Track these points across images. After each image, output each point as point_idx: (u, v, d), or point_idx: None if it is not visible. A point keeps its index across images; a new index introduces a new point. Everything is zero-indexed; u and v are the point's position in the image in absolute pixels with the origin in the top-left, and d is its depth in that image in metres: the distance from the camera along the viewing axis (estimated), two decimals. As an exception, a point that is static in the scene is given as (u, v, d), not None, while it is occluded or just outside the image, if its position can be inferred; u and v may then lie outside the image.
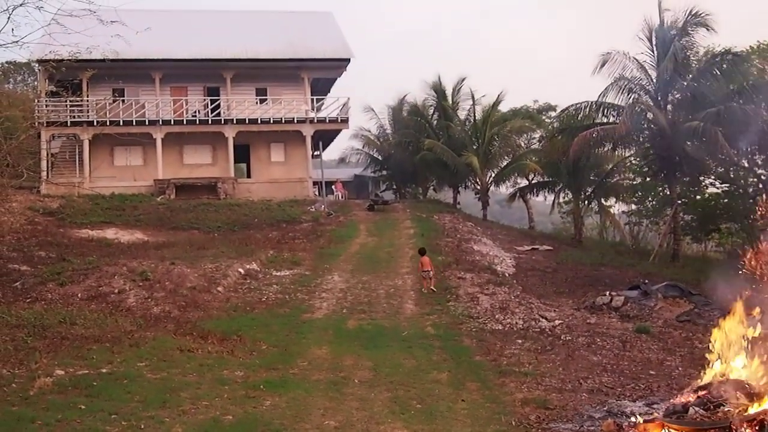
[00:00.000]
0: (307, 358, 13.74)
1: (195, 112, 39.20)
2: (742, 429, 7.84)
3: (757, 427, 7.86)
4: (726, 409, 8.46)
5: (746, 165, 33.35)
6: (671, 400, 9.84)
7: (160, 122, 37.82)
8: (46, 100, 36.14)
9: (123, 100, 37.89)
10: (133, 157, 38.18)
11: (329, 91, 44.08)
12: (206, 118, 38.61)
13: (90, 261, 21.13)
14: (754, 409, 8.20)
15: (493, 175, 40.44)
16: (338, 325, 16.79)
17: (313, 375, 12.50)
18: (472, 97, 41.55)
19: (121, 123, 36.47)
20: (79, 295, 18.43)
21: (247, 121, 38.80)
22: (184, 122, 38.33)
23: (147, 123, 37.50)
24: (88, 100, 37.08)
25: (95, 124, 36.38)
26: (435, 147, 38.38)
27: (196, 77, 39.67)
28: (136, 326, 15.67)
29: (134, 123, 37.02)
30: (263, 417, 10.03)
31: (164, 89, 39.23)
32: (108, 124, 35.53)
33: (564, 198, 40.09)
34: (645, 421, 9.07)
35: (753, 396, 8.49)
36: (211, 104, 38.70)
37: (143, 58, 36.20)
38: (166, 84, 39.21)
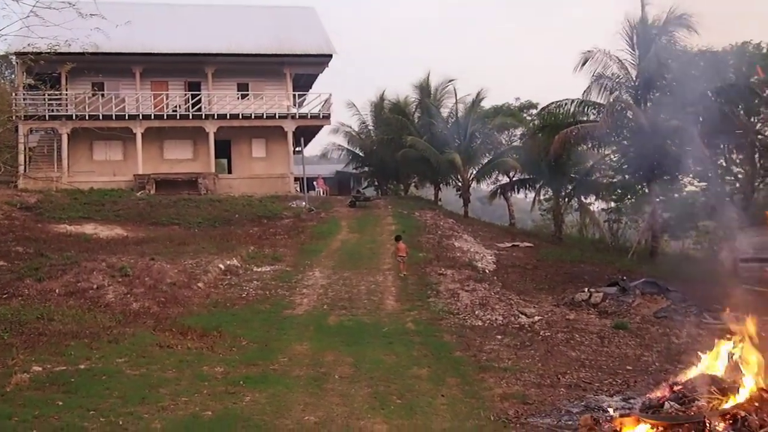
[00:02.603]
0: (287, 354, 13.72)
1: (176, 106, 38.97)
2: (716, 423, 7.93)
3: (730, 421, 7.95)
4: (700, 404, 8.57)
5: (724, 164, 33.70)
6: (647, 395, 9.96)
7: (140, 117, 37.61)
8: (24, 94, 35.78)
9: (103, 94, 37.61)
10: (112, 151, 37.97)
11: (311, 87, 44.06)
12: (187, 113, 38.42)
13: (68, 256, 20.97)
14: (727, 404, 8.30)
15: (475, 172, 40.58)
16: (319, 321, 16.79)
17: (293, 371, 12.49)
18: (455, 95, 41.73)
19: (101, 117, 36.30)
20: (57, 290, 18.28)
21: (228, 117, 38.70)
22: (165, 117, 38.15)
23: (127, 117, 37.27)
24: (67, 94, 36.81)
25: (74, 118, 36.16)
26: (417, 143, 38.45)
27: (177, 72, 39.47)
28: (115, 322, 15.57)
29: (114, 117, 36.77)
30: (243, 413, 10.02)
31: (145, 83, 39.01)
32: (87, 118, 35.36)
33: (544, 195, 40.31)
34: (621, 416, 9.16)
35: (726, 391, 8.61)
36: (192, 99, 38.54)
37: (123, 52, 36.04)
38: (146, 78, 39.00)
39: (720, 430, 7.94)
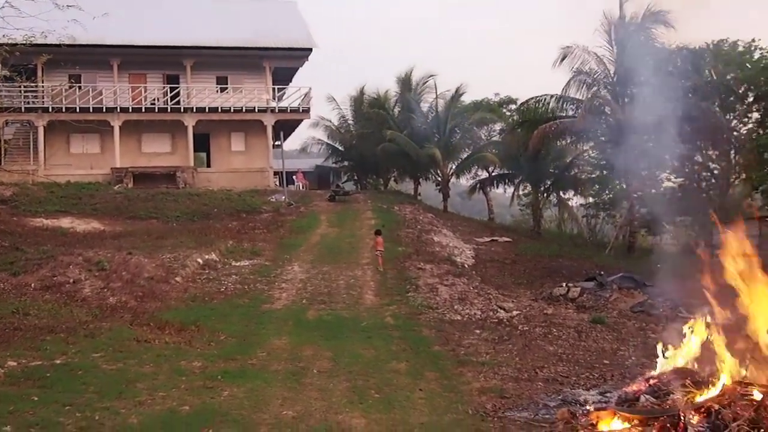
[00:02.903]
0: (266, 348, 13.69)
1: (154, 99, 38.67)
2: (690, 416, 8.02)
3: (704, 414, 8.04)
4: (675, 397, 8.66)
5: (700, 160, 34.02)
6: (623, 389, 10.04)
7: (118, 110, 37.28)
8: (-1, 85, 35.36)
9: (80, 87, 37.14)
10: (89, 144, 37.62)
11: (291, 81, 43.84)
12: (165, 106, 38.14)
13: (44, 250, 20.78)
14: (701, 397, 8.39)
15: (454, 167, 40.67)
16: (298, 315, 16.77)
17: (272, 365, 12.46)
18: (435, 89, 41.76)
19: (78, 110, 35.90)
20: (33, 285, 18.13)
21: (207, 110, 38.46)
22: (143, 110, 37.84)
23: (104, 110, 36.96)
24: (43, 86, 36.39)
25: (51, 110, 35.69)
26: (397, 138, 38.46)
27: (155, 64, 39.13)
28: (92, 317, 15.47)
29: (91, 110, 36.39)
30: (221, 407, 9.98)
31: (122, 76, 38.64)
32: (64, 110, 34.99)
33: (523, 190, 40.52)
34: (597, 409, 9.24)
35: (701, 384, 8.70)
36: (171, 92, 38.26)
37: (101, 44, 35.64)
38: (124, 71, 38.63)
39: (694, 423, 8.01)
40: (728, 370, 8.81)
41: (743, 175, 30.95)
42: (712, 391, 8.48)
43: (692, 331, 9.85)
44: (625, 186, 32.18)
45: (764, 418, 7.85)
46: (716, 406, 8.10)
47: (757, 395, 8.08)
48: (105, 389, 10.53)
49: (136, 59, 38.30)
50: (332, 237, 27.24)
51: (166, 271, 20.15)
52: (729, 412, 7.94)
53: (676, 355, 10.07)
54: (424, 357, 13.47)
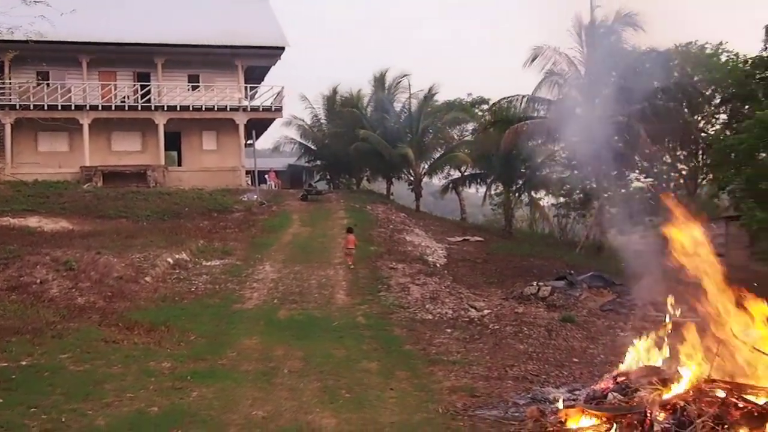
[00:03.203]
0: (236, 348, 13.61)
1: (124, 97, 38.24)
2: (657, 413, 8.11)
3: (670, 411, 8.14)
4: (642, 394, 8.77)
5: (669, 160, 34.48)
6: (592, 387, 10.13)
7: (87, 107, 36.87)
8: (-36, 82, 34.80)
9: (48, 84, 36.70)
10: (58, 143, 37.14)
11: (263, 80, 43.66)
12: (136, 104, 37.80)
13: (11, 250, 20.44)
14: (668, 394, 8.50)
15: (427, 166, 40.78)
16: (269, 315, 16.70)
17: (242, 365, 12.40)
18: (409, 89, 41.83)
19: (46, 107, 35.50)
20: (-1, 285, 17.85)
21: (178, 108, 38.17)
22: (113, 108, 37.48)
23: (73, 108, 36.52)
24: (10, 83, 35.83)
25: (18, 107, 35.24)
26: (369, 137, 38.46)
27: (125, 62, 38.69)
28: (59, 317, 15.25)
29: (60, 107, 35.94)
30: (190, 408, 9.91)
31: (92, 73, 38.18)
32: (32, 108, 34.53)
33: (496, 190, 40.71)
34: (566, 407, 9.31)
35: (667, 381, 8.82)
36: (141, 90, 37.91)
37: (69, 41, 35.09)
38: (94, 68, 38.16)
39: (660, 419, 8.11)
40: (694, 367, 8.93)
41: (710, 176, 31.38)
42: (678, 389, 8.59)
43: (659, 330, 9.98)
44: (595, 186, 32.47)
45: (728, 414, 7.98)
46: (681, 403, 8.20)
47: (721, 392, 8.20)
48: (72, 391, 10.40)
49: (107, 56, 37.87)
50: (304, 236, 27.18)
51: (136, 271, 19.97)
52: (694, 408, 8.05)
53: (644, 353, 10.20)
54: (395, 356, 13.47)
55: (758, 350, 8.62)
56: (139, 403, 10.04)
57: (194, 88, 39.47)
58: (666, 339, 9.61)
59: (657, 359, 9.61)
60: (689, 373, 8.77)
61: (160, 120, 37.79)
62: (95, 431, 8.91)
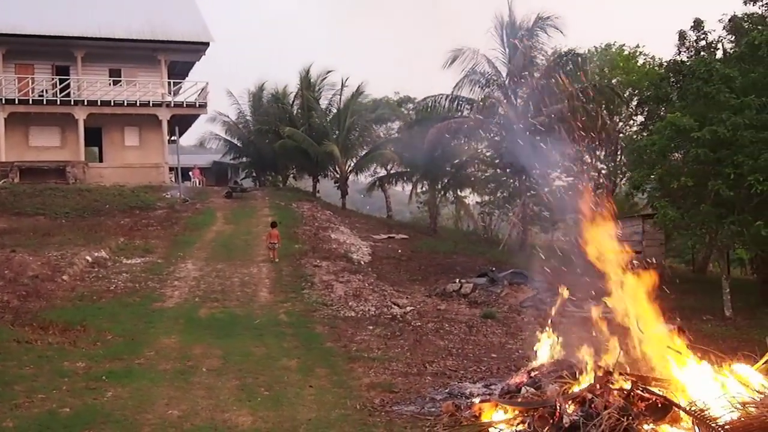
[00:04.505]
0: (154, 347, 13.41)
1: (42, 91, 37.01)
2: (567, 405, 8.39)
3: (579, 403, 8.44)
4: (553, 388, 9.05)
5: (589, 160, 35.39)
6: (507, 381, 10.40)
7: (3, 101, 35.65)
8: None
9: (-40, 76, 35.28)
10: (-28, 137, 35.73)
11: (188, 75, 42.93)
12: (55, 98, 36.62)
13: None
14: (577, 388, 8.80)
15: (353, 164, 40.84)
16: (189, 314, 16.49)
17: (159, 364, 12.23)
18: (342, 87, 41.72)
19: (-41, 100, 34.06)
20: None
21: (99, 103, 37.17)
22: (30, 102, 36.24)
23: (-12, 101, 35.21)
24: None
25: (-73, 100, 33.75)
26: (295, 135, 38.28)
27: (43, 54, 37.39)
28: (-31, 317, 14.74)
29: (-27, 101, 34.60)
30: (104, 408, 9.74)
31: (8, 66, 36.86)
32: (-58, 101, 33.11)
33: (421, 188, 41.08)
34: (481, 401, 9.54)
35: (578, 375, 9.13)
36: (60, 84, 36.76)
37: (-17, 32, 33.88)
38: (10, 60, 36.83)
39: (570, 412, 8.39)
40: (601, 361, 9.27)
41: (628, 175, 32.40)
42: (587, 382, 8.90)
43: (573, 325, 10.34)
44: (518, 184, 33.13)
45: (633, 405, 8.32)
46: (589, 396, 8.51)
47: (627, 385, 8.54)
48: (-21, 393, 10.10)
49: (23, 48, 36.54)
50: (228, 234, 26.91)
51: (53, 270, 19.43)
52: (601, 401, 8.37)
53: (557, 348, 10.54)
54: (315, 354, 13.51)
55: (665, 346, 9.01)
56: (51, 404, 9.82)
57: (116, 82, 38.45)
58: (578, 334, 9.96)
59: (561, 353, 9.96)
60: (597, 366, 9.10)
61: (80, 115, 36.75)
62: (2, 433, 8.68)
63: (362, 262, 23.89)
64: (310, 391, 10.91)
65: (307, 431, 8.97)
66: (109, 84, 38.22)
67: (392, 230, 32.51)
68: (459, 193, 39.59)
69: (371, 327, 16.04)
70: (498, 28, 29.67)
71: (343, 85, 40.92)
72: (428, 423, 9.37)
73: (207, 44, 39.60)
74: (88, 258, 21.00)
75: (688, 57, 24.22)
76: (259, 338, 14.43)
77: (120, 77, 38.72)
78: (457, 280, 21.03)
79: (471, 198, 43.08)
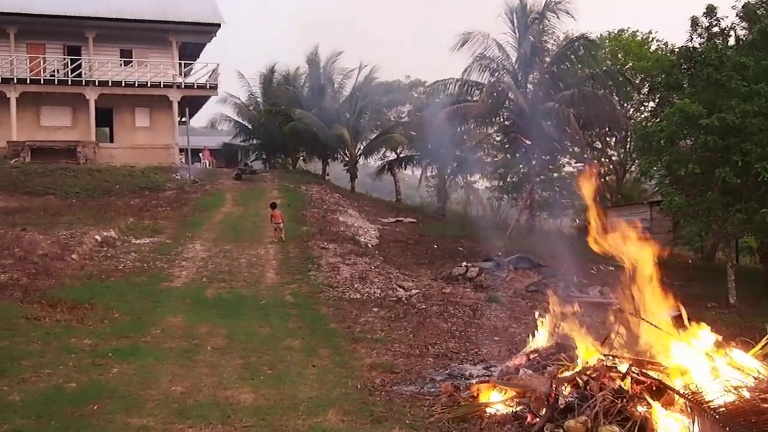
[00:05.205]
0: (161, 326, 13.58)
1: (54, 71, 37.18)
2: (562, 387, 8.50)
3: (575, 386, 8.54)
4: (551, 370, 9.16)
5: (599, 146, 35.32)
6: (506, 363, 10.51)
7: (15, 80, 35.82)
8: None
9: (-28, 56, 35.48)
10: (-17, 117, 35.99)
11: (199, 56, 42.97)
12: (66, 78, 36.81)
13: (-69, 225, 19.92)
14: (574, 370, 8.90)
15: (362, 147, 40.88)
16: (196, 293, 16.66)
17: (165, 343, 12.39)
18: (358, 69, 41.75)
19: (-30, 80, 34.27)
20: None
21: (110, 84, 37.33)
22: (42, 82, 36.44)
23: (0, 81, 35.35)
24: (-68, 53, 34.54)
25: (-61, 79, 33.99)
26: (305, 117, 38.32)
27: (55, 34, 37.56)
28: (-21, 294, 14.96)
29: (-15, 80, 34.81)
30: (108, 384, 9.91)
31: (20, 45, 37.02)
32: (-46, 80, 33.31)
33: (431, 173, 41.09)
34: (479, 382, 9.66)
35: (574, 358, 9.23)
36: (72, 64, 36.91)
37: (-5, 11, 34.03)
38: (21, 40, 36.98)
39: (566, 393, 8.49)
40: (597, 344, 9.36)
41: (637, 162, 32.32)
42: (583, 364, 9.00)
43: (578, 309, 10.47)
44: (527, 170, 33.10)
45: (629, 387, 8.41)
46: (585, 378, 8.61)
47: (622, 367, 8.62)
48: (-13, 367, 10.29)
49: (35, 28, 36.70)
50: (236, 215, 27.08)
51: (62, 248, 19.64)
52: (596, 383, 8.46)
53: (556, 331, 10.63)
54: (319, 334, 13.64)
55: (651, 324, 9.07)
56: (57, 379, 10.00)
57: (127, 63, 38.61)
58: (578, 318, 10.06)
59: (560, 337, 10.05)
60: (594, 349, 9.19)
61: (91, 95, 36.93)
62: (9, 406, 8.83)
63: (369, 245, 23.99)
64: (312, 371, 11.05)
65: (308, 408, 9.09)
66: (121, 65, 38.37)
67: (400, 214, 32.57)
68: (468, 177, 39.58)
69: (376, 309, 16.16)
70: (508, 12, 29.54)
71: (360, 68, 41.00)
72: (427, 403, 9.47)
73: (218, 26, 39.63)
74: (97, 237, 21.20)
75: (700, 44, 24.05)
76: (265, 318, 14.58)
77: (131, 58, 38.85)
78: (463, 264, 21.07)
79: (480, 183, 43.11)
